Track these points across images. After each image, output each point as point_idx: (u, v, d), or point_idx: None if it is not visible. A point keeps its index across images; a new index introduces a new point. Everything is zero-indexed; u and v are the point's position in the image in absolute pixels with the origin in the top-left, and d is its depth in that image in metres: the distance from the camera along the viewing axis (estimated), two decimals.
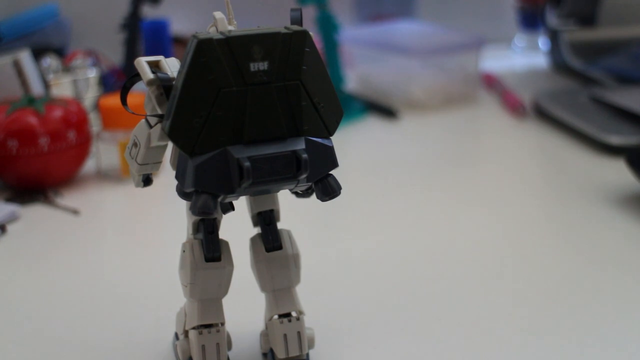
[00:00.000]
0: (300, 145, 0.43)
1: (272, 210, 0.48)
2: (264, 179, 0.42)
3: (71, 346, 0.53)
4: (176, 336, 0.50)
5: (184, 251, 0.46)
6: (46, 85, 0.89)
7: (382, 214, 0.74)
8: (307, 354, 0.48)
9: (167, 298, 0.54)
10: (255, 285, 0.48)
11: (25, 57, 0.87)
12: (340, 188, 0.44)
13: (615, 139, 0.85)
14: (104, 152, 0.81)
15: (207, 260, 0.46)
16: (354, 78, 1.11)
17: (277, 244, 0.47)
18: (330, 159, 0.44)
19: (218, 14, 0.43)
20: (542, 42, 1.28)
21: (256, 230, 0.49)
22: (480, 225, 0.71)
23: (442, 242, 0.67)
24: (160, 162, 0.47)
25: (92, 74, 0.93)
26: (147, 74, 0.44)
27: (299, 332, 0.47)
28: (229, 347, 0.49)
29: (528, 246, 0.66)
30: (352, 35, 1.12)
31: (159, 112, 0.44)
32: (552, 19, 1.12)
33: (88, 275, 0.63)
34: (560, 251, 0.66)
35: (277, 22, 0.46)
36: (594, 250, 0.66)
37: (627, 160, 0.73)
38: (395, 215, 0.74)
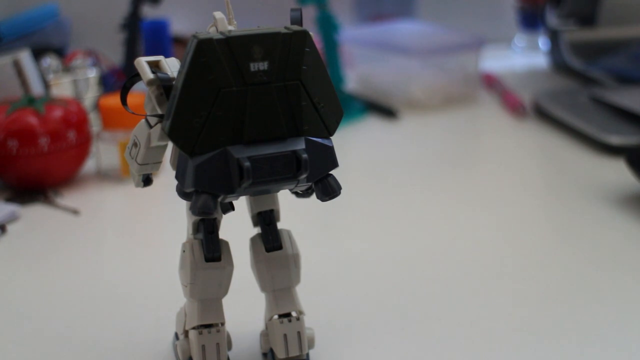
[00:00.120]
0: (300, 145, 0.43)
1: (272, 210, 0.48)
2: (264, 179, 0.42)
3: (71, 346, 0.53)
4: (176, 336, 0.50)
5: (184, 251, 0.46)
6: (46, 85, 0.89)
7: (382, 214, 0.74)
8: (307, 354, 0.48)
9: (167, 298, 0.54)
10: (255, 285, 0.48)
11: (25, 57, 0.87)
12: (340, 188, 0.44)
13: (615, 139, 0.85)
14: (104, 152, 0.81)
15: (207, 260, 0.46)
16: (354, 78, 1.11)
17: (277, 244, 0.47)
18: (330, 159, 0.44)
19: (218, 14, 0.43)
20: (542, 42, 1.28)
21: (256, 230, 0.49)
22: (480, 225, 0.71)
23: (442, 242, 0.67)
24: (160, 162, 0.47)
25: (92, 74, 0.93)
26: (147, 74, 0.44)
27: (299, 332, 0.47)
28: (229, 347, 0.49)
29: (528, 246, 0.66)
30: (352, 35, 1.12)
31: (159, 112, 0.44)
32: (552, 19, 1.12)
33: (88, 275, 0.63)
34: (560, 251, 0.66)
35: (277, 22, 0.46)
36: (593, 250, 0.66)
37: (627, 160, 0.73)
38: (395, 215, 0.74)
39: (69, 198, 0.77)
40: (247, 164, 0.41)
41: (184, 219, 0.48)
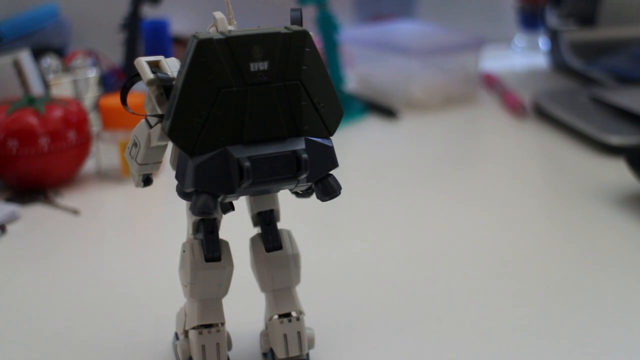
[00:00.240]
0: (300, 145, 0.43)
1: (272, 210, 0.48)
2: (264, 179, 0.42)
3: (71, 346, 0.53)
4: (176, 336, 0.50)
5: (184, 251, 0.47)
6: (46, 85, 0.89)
7: (382, 214, 0.74)
8: (307, 354, 0.48)
9: (167, 298, 0.54)
10: (255, 285, 0.49)
11: (25, 57, 0.87)
12: (340, 188, 0.44)
13: (615, 139, 0.85)
14: (104, 152, 0.81)
15: (207, 260, 0.46)
16: (354, 78, 1.11)
17: (277, 244, 0.47)
18: (330, 159, 0.44)
19: (218, 14, 0.43)
20: (542, 42, 1.28)
21: (256, 230, 0.49)
22: (480, 225, 0.71)
23: (442, 242, 0.67)
24: (160, 162, 0.47)
25: (92, 74, 0.93)
26: (147, 74, 0.44)
27: (299, 332, 0.47)
28: (229, 347, 0.49)
29: (528, 246, 0.66)
30: (352, 35, 1.12)
31: (159, 112, 0.44)
32: (552, 19, 1.12)
33: (88, 275, 0.63)
34: (560, 251, 0.66)
35: (277, 22, 0.46)
36: (593, 250, 0.66)
37: (627, 160, 0.73)
38: (395, 215, 0.74)
39: (69, 198, 0.77)
40: (247, 164, 0.41)
41: (184, 219, 0.48)
